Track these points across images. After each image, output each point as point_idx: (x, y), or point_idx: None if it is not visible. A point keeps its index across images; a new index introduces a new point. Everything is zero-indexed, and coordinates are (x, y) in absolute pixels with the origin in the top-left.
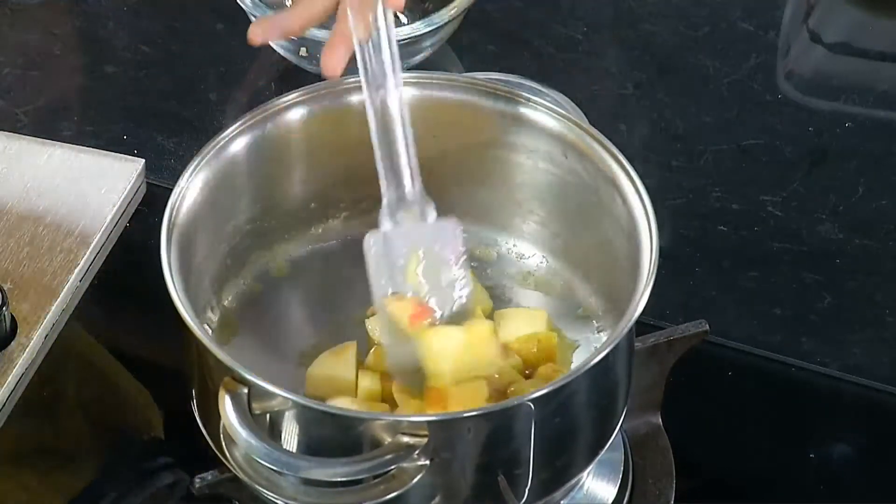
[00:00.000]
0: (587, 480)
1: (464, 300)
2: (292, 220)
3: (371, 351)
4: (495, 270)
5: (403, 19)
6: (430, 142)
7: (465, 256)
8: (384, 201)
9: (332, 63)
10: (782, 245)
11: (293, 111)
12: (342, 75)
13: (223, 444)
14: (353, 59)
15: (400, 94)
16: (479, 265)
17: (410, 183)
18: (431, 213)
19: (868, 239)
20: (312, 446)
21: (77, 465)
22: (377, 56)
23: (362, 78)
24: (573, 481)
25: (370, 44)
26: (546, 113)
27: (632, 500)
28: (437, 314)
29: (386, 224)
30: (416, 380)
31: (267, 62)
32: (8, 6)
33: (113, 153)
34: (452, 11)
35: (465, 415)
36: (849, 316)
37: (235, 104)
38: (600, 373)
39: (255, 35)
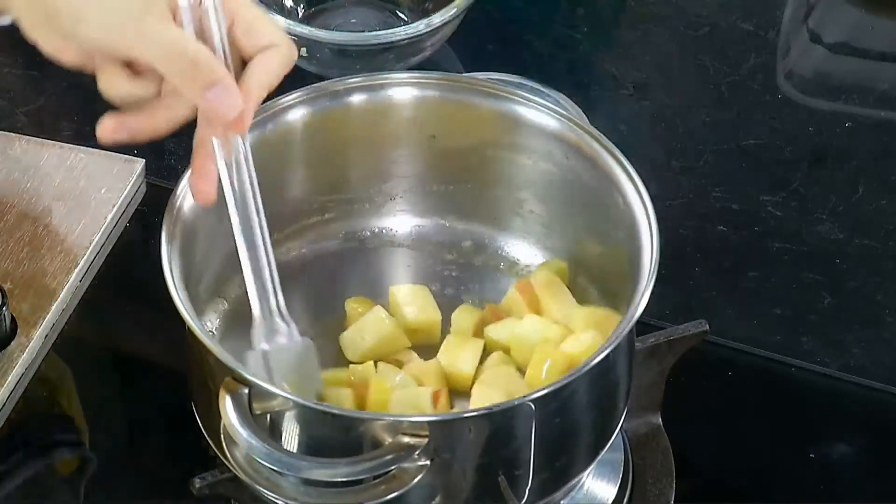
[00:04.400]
0: (587, 480)
1: None
2: (292, 219)
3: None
4: (495, 270)
5: (404, 20)
6: (429, 142)
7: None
8: (258, 322)
9: (204, 187)
10: (782, 245)
11: (293, 111)
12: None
13: (223, 444)
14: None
15: (260, 209)
16: (479, 265)
17: (277, 300)
18: (296, 331)
19: (868, 239)
20: (313, 446)
21: (77, 466)
22: (240, 178)
23: (230, 199)
24: (573, 481)
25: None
26: (546, 113)
27: (632, 500)
28: None
29: (263, 344)
30: None
31: None
32: None
33: (113, 153)
34: (452, 11)
35: (466, 415)
36: (849, 316)
37: None
38: (600, 373)
39: (104, 132)
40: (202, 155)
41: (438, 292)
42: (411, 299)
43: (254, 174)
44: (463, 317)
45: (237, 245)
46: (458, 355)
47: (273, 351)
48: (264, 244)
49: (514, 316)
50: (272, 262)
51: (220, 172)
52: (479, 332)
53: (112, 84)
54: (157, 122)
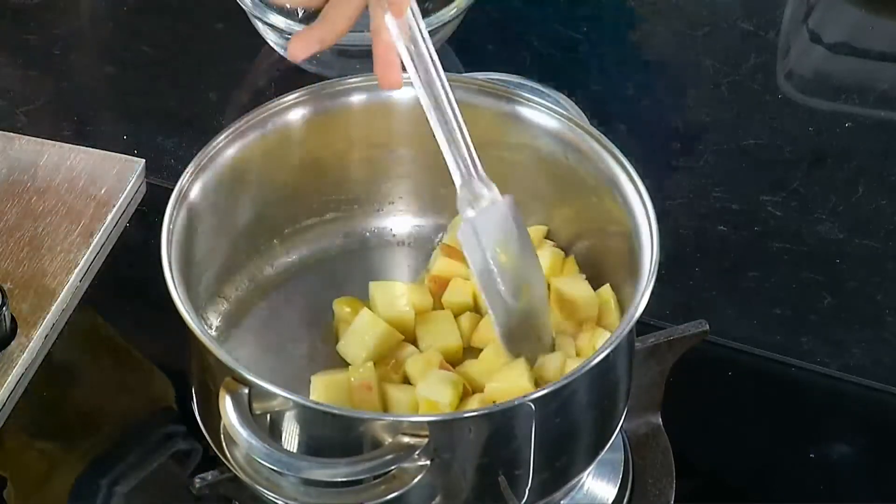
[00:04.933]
0: (587, 480)
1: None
2: (292, 219)
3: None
4: None
5: None
6: (430, 142)
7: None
8: (459, 191)
9: (390, 74)
10: (782, 245)
11: (293, 111)
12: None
13: (223, 444)
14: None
15: (444, 80)
16: None
17: (475, 167)
18: (497, 192)
19: (868, 239)
20: (313, 446)
21: (77, 466)
22: (419, 53)
23: (415, 74)
24: (573, 481)
25: (412, 43)
26: (546, 113)
27: (632, 500)
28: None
29: (469, 212)
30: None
31: (267, 62)
32: (8, 6)
33: (113, 153)
34: (452, 11)
35: (466, 415)
36: (849, 316)
37: (235, 104)
38: (601, 373)
39: (297, 51)
40: (381, 44)
41: None
42: (385, 297)
43: (431, 47)
44: (418, 295)
45: (431, 121)
46: (440, 331)
47: (479, 216)
48: (454, 114)
49: (457, 278)
50: (465, 130)
51: (402, 54)
52: (438, 304)
53: None
54: (336, 24)
